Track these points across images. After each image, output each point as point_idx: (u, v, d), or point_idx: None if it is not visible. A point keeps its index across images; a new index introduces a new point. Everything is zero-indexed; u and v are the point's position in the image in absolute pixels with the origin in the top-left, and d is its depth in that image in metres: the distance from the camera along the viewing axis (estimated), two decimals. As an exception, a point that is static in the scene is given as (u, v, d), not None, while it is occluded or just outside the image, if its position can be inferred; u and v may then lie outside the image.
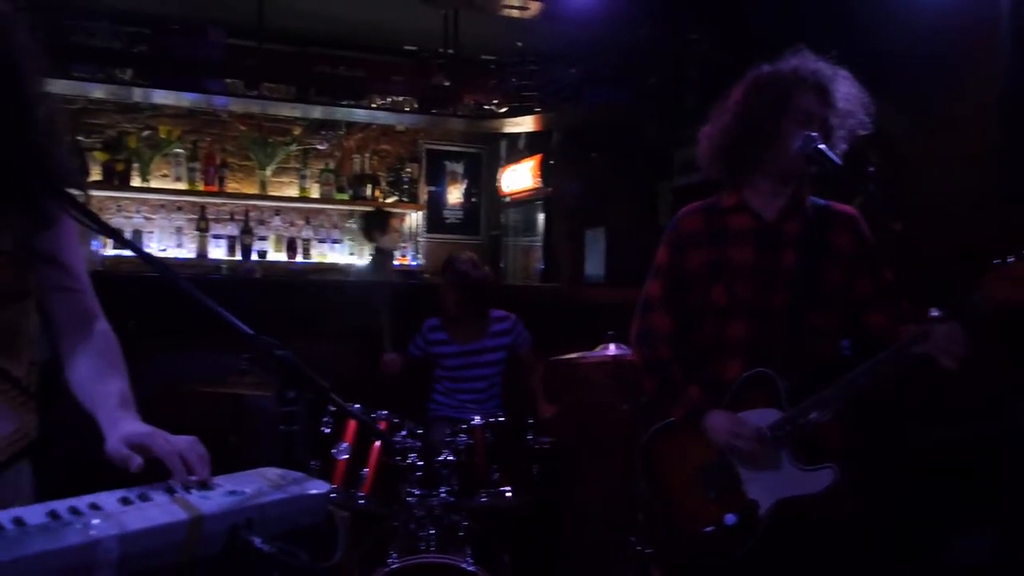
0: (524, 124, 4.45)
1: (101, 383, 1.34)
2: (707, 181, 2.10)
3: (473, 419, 2.68)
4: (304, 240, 5.44)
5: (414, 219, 5.83)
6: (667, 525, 2.09)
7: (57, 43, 3.29)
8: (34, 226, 1.36)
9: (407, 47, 4.92)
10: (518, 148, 5.58)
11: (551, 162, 4.95)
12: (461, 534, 2.58)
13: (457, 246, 6.06)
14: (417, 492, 2.51)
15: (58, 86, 3.59)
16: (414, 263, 5.75)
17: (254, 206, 5.36)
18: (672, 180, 4.16)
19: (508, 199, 5.81)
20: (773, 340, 1.90)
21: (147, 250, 4.89)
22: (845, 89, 1.92)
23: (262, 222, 5.40)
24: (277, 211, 5.41)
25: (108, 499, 1.06)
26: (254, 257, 5.28)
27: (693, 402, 1.93)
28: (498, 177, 5.77)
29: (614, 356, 2.85)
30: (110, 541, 0.91)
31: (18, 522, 0.96)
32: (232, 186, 5.32)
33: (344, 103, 3.95)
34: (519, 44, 4.25)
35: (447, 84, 4.16)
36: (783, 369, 1.86)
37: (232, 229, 5.29)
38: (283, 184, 5.49)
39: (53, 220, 1.38)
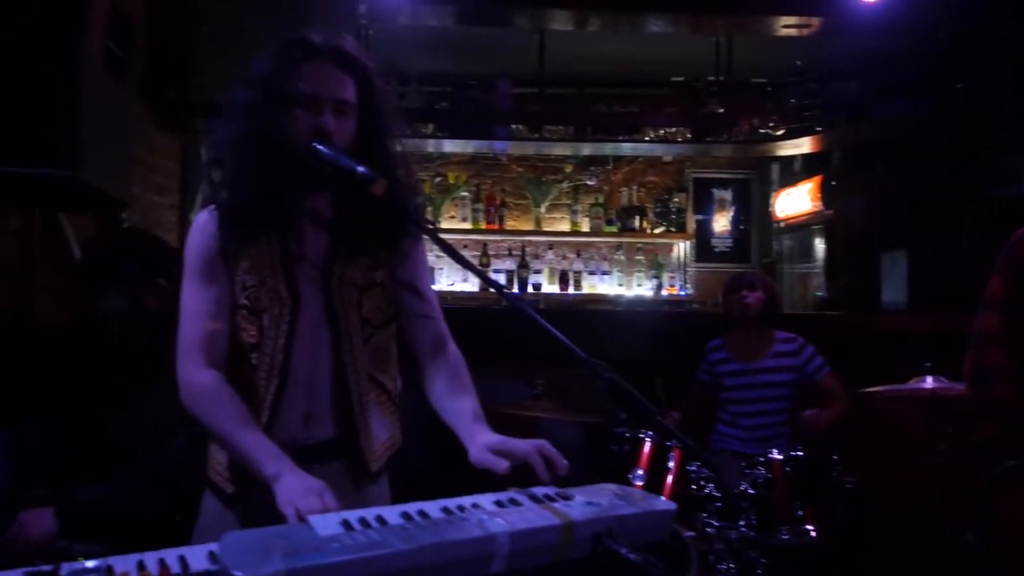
0: (802, 145, 4.26)
1: (456, 400, 1.49)
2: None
3: (771, 452, 2.59)
4: (575, 272, 5.66)
5: (682, 249, 5.81)
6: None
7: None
8: (398, 259, 1.59)
9: (675, 78, 4.96)
10: (793, 170, 5.33)
11: (832, 183, 4.66)
12: (760, 571, 2.49)
13: (726, 275, 5.90)
14: (715, 523, 2.47)
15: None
16: (683, 293, 5.71)
17: (530, 241, 5.70)
18: (981, 193, 3.70)
19: (781, 224, 5.56)
20: None
21: (436, 285, 5.45)
22: None
23: (537, 256, 5.71)
24: (550, 245, 5.69)
25: (484, 500, 1.20)
26: (530, 289, 5.60)
27: None
28: (771, 202, 5.56)
29: (932, 390, 2.58)
30: (503, 536, 1.01)
31: (422, 514, 1.11)
32: (510, 223, 5.71)
33: (619, 138, 4.07)
34: (798, 63, 4.09)
35: (720, 111, 4.12)
36: None
37: (510, 264, 5.66)
38: (555, 220, 5.78)
39: (410, 253, 1.60)
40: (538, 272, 5.67)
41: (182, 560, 1.11)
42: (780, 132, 4.16)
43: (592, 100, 4.42)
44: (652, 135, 4.22)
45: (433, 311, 1.62)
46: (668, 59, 4.57)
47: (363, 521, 1.06)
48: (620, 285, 5.67)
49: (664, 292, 5.66)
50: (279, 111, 1.45)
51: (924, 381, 2.62)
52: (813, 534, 2.51)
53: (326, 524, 1.04)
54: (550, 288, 5.63)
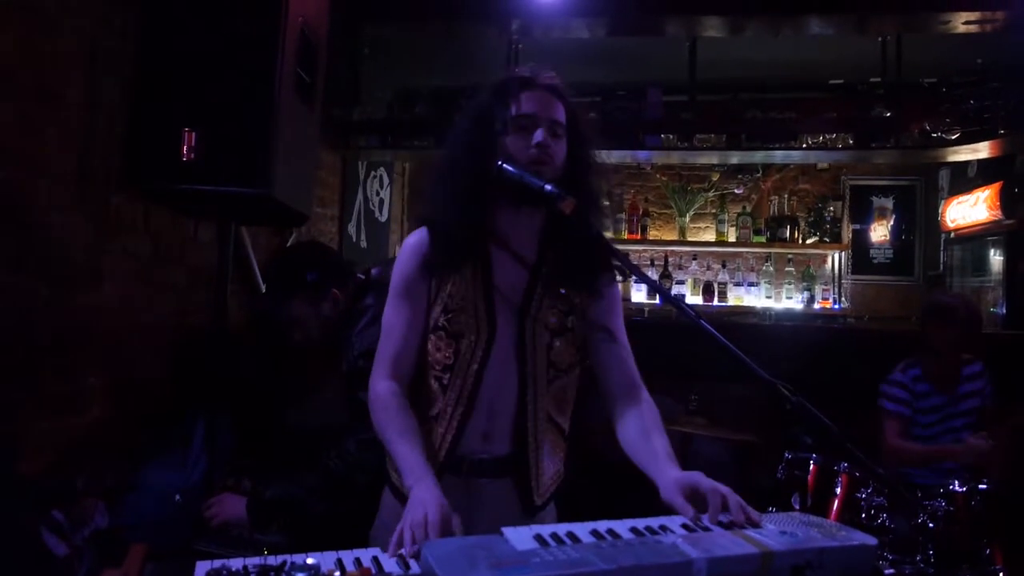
0: (980, 150, 3.91)
1: (646, 440, 1.47)
2: None
3: (952, 484, 2.40)
4: (720, 284, 5.49)
5: (837, 260, 5.51)
6: None
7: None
8: (592, 301, 1.59)
9: (833, 81, 4.72)
10: (967, 176, 4.93)
11: (1015, 190, 4.26)
12: (940, 612, 2.30)
13: (886, 288, 5.57)
14: (889, 557, 2.31)
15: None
16: (836, 307, 5.42)
17: (673, 251, 5.60)
18: None
19: (951, 234, 5.15)
20: None
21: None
22: None
23: (680, 267, 5.60)
24: (694, 256, 5.57)
25: (672, 523, 1.18)
26: (672, 300, 5.48)
27: None
28: (941, 211, 5.16)
29: None
30: (701, 562, 1.00)
31: (612, 533, 1.11)
32: (653, 233, 5.64)
33: (775, 146, 3.91)
34: (979, 61, 3.78)
35: (887, 114, 3.86)
36: None
37: (652, 274, 5.57)
38: (700, 229, 5.65)
39: (604, 293, 1.60)
40: (681, 283, 5.55)
41: (376, 561, 1.17)
42: (955, 136, 3.84)
43: (745, 106, 4.27)
44: (809, 142, 4.02)
45: (626, 354, 1.61)
46: (827, 61, 4.35)
47: (555, 536, 1.08)
48: (768, 297, 5.45)
49: (816, 305, 5.40)
50: (499, 136, 1.49)
51: None
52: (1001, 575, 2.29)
53: (520, 538, 1.06)
54: (693, 299, 5.49)
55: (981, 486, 2.41)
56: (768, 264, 5.48)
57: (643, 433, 1.47)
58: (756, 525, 1.18)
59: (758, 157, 4.66)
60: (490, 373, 1.52)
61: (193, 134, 1.99)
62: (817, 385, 3.42)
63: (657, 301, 5.50)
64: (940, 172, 5.34)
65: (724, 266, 5.52)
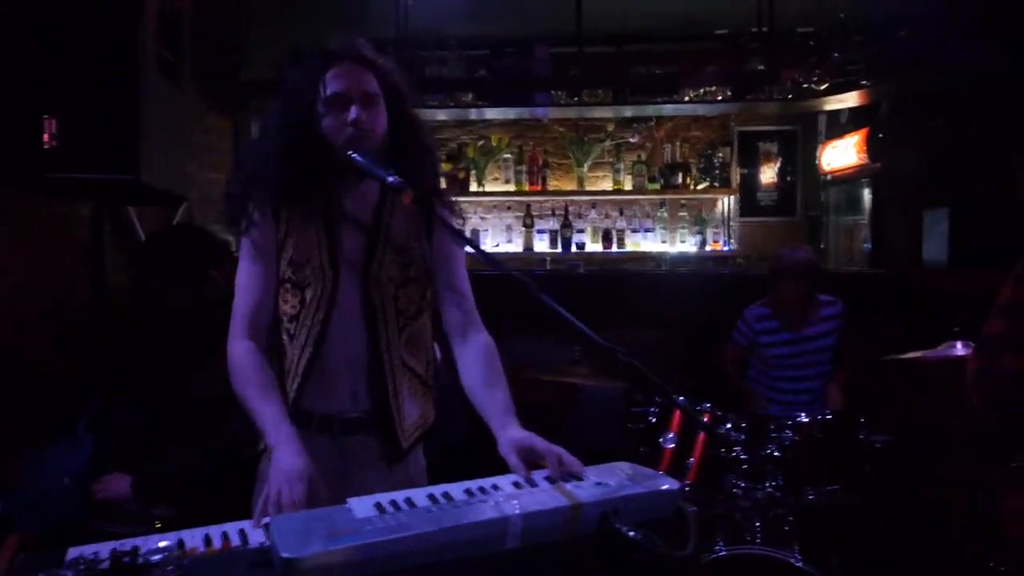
0: (846, 100, 4.17)
1: (489, 392, 1.60)
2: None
3: (799, 416, 2.68)
4: (618, 230, 5.71)
5: (726, 203, 5.79)
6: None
7: (417, 78, 3.95)
8: (430, 251, 1.70)
9: (719, 31, 4.88)
10: (840, 123, 5.23)
11: (879, 135, 4.57)
12: (787, 528, 2.60)
13: (772, 228, 5.89)
14: (742, 484, 2.58)
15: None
16: (727, 248, 5.72)
17: (572, 201, 5.76)
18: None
19: (828, 177, 5.49)
20: None
21: (483, 247, 5.55)
22: None
23: (580, 216, 5.77)
24: (593, 204, 5.74)
25: (504, 482, 1.34)
26: (573, 249, 5.68)
27: None
28: (817, 155, 5.48)
29: (961, 357, 2.61)
30: (516, 518, 1.16)
31: (447, 496, 1.26)
32: (553, 184, 5.77)
33: (660, 100, 4.07)
34: (841, 15, 4.00)
35: (762, 68, 4.06)
36: None
37: (553, 224, 5.74)
38: (598, 179, 5.82)
39: (440, 239, 1.70)
40: (581, 231, 5.73)
41: (242, 533, 1.29)
42: (823, 87, 4.08)
43: (632, 58, 4.39)
44: (693, 94, 4.20)
45: (463, 297, 1.72)
46: (710, 10, 4.49)
47: (394, 504, 1.22)
48: (663, 242, 5.69)
49: (708, 248, 5.68)
50: (313, 119, 1.57)
51: (954, 347, 2.65)
52: (838, 494, 2.60)
53: (362, 506, 1.20)
54: (593, 247, 5.70)
55: (825, 416, 2.70)
56: (663, 210, 5.71)
57: (484, 383, 1.60)
58: (579, 478, 1.35)
59: (649, 111, 4.81)
60: (337, 325, 1.60)
61: (53, 121, 1.98)
62: (709, 325, 3.64)
63: (559, 250, 5.69)
64: (819, 117, 5.63)
65: (621, 213, 5.72)
